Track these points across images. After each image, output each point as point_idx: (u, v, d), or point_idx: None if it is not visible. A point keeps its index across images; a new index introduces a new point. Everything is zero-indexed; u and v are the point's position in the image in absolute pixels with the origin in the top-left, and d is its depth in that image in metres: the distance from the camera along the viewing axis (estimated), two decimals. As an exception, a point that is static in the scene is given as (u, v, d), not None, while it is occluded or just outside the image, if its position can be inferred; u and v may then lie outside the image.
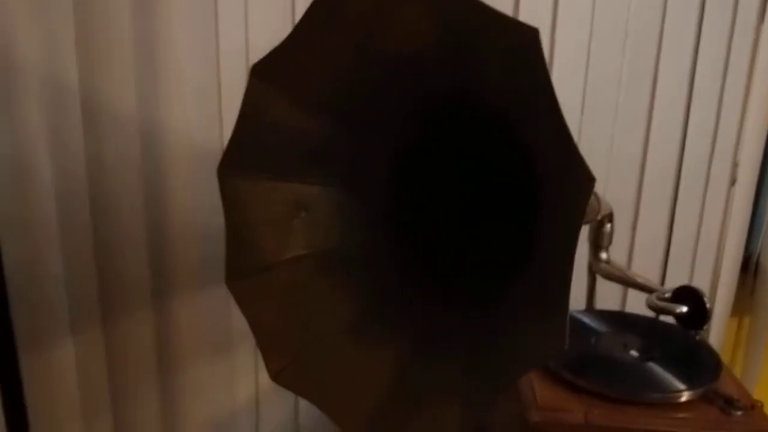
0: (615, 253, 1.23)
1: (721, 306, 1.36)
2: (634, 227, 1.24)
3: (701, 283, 1.31)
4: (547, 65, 1.07)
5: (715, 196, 1.26)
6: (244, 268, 0.79)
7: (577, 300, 1.23)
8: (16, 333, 0.92)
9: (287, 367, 0.76)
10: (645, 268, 1.25)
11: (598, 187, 1.18)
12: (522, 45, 0.56)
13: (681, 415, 0.84)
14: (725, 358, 1.47)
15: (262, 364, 0.74)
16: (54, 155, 0.92)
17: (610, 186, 1.22)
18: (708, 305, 0.94)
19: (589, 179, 0.54)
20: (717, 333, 1.38)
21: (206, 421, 1.12)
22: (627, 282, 1.05)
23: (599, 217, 1.04)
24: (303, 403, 1.22)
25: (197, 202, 1.00)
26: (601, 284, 1.10)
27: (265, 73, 0.75)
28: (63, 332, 0.97)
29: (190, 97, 0.97)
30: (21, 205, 0.90)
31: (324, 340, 0.77)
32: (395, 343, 0.77)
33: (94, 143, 0.95)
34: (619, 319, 1.05)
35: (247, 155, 0.78)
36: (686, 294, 0.96)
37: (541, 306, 0.59)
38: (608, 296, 1.22)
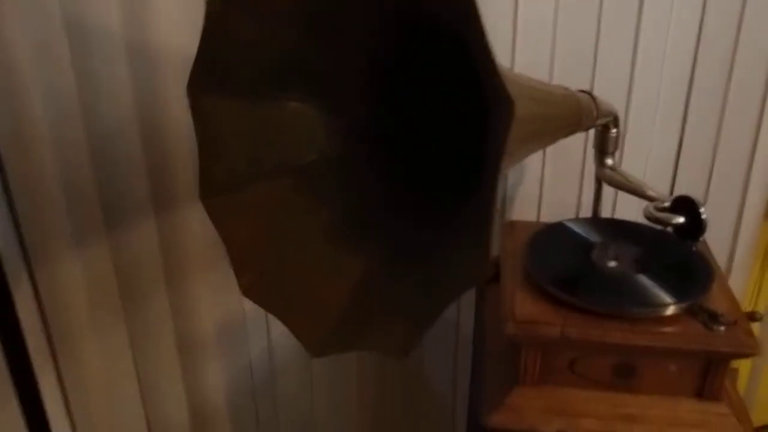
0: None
1: (752, 209, 1.30)
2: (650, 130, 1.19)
3: (726, 186, 1.25)
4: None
5: (745, 85, 1.17)
6: (217, 186, 0.80)
7: (584, 207, 1.21)
8: (27, 250, 0.97)
9: (257, 282, 0.78)
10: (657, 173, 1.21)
11: (617, 94, 1.13)
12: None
13: (662, 329, 0.83)
14: (758, 260, 1.41)
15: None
16: (42, 74, 0.93)
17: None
18: (704, 216, 0.90)
19: (510, 103, 0.51)
20: (749, 236, 1.33)
21: (217, 326, 1.17)
22: (630, 189, 1.01)
23: (600, 122, 1.00)
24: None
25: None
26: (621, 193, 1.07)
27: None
28: (69, 248, 1.02)
29: (175, 7, 0.96)
30: (16, 126, 0.92)
31: (294, 255, 0.79)
32: (366, 254, 0.77)
33: (82, 61, 0.95)
34: (618, 229, 1.02)
35: (214, 73, 0.77)
36: (685, 204, 0.93)
37: (474, 230, 0.58)
38: (626, 204, 1.19)
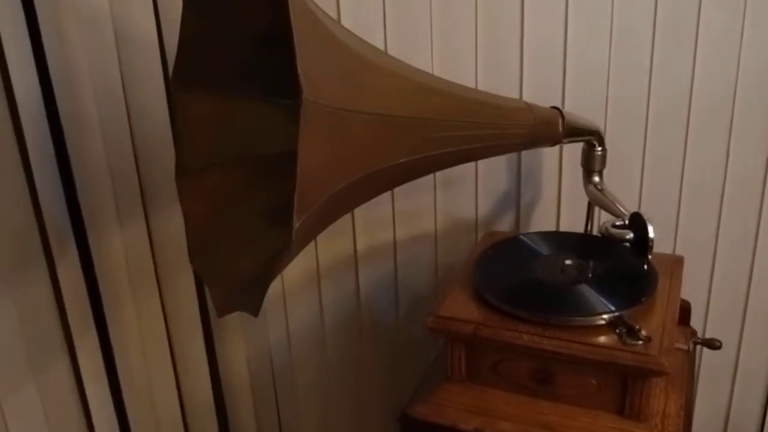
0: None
1: None
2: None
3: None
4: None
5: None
6: (185, 169, 0.93)
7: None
8: (84, 221, 1.17)
9: (200, 252, 0.89)
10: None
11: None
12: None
13: (574, 337, 0.83)
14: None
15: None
16: (96, 74, 1.12)
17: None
18: (651, 235, 0.89)
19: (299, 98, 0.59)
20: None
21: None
22: (608, 209, 1.00)
23: (573, 139, 1.01)
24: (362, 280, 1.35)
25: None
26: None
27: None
28: (113, 222, 1.20)
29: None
30: (76, 118, 1.12)
31: (231, 233, 0.89)
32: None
33: (127, 63, 1.14)
34: (577, 243, 1.03)
35: (188, 74, 0.91)
36: (638, 221, 0.92)
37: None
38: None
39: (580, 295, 0.88)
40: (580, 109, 1.09)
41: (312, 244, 1.31)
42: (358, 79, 0.72)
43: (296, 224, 0.63)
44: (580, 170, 1.07)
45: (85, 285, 1.21)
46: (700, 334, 1.13)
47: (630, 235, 0.91)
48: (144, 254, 1.25)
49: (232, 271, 0.85)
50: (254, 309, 0.72)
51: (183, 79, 0.91)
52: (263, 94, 0.93)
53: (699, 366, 1.25)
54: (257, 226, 0.90)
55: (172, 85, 0.91)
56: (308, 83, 0.60)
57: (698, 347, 0.99)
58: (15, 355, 1.12)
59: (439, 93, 0.83)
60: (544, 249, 1.01)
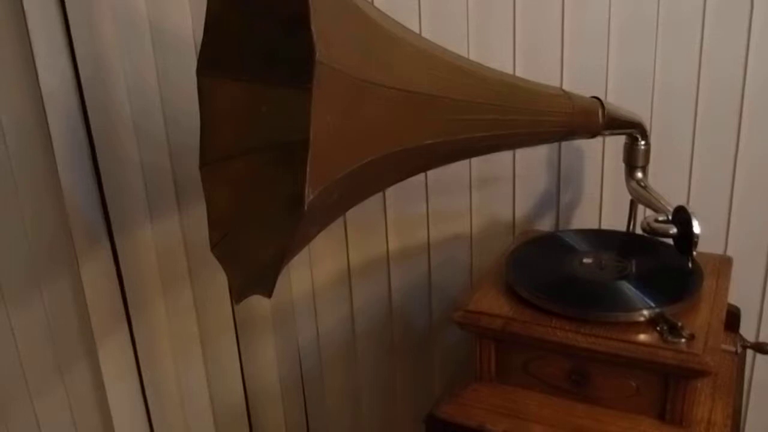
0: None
1: None
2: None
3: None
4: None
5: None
6: (209, 156, 0.91)
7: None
8: (111, 222, 1.16)
9: (221, 240, 0.87)
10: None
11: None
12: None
13: (611, 334, 0.78)
14: None
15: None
16: (129, 72, 1.12)
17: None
18: (696, 230, 0.83)
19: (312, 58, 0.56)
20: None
21: (270, 308, 1.28)
22: (651, 206, 0.95)
23: (614, 132, 0.96)
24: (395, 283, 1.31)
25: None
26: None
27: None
28: (145, 221, 1.19)
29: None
30: (106, 118, 1.11)
31: (252, 222, 0.87)
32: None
33: (162, 61, 1.13)
34: (618, 241, 0.98)
35: (214, 60, 0.90)
36: (683, 215, 0.86)
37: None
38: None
39: (619, 291, 0.83)
40: (624, 100, 1.04)
41: (343, 244, 1.28)
42: (382, 53, 0.69)
43: (309, 196, 0.60)
44: (622, 168, 1.02)
45: (118, 283, 1.21)
46: (751, 343, 1.06)
47: (674, 230, 0.85)
48: (177, 251, 1.23)
49: (252, 258, 0.82)
50: (268, 290, 0.69)
51: (209, 64, 0.89)
52: (289, 80, 0.91)
53: (751, 378, 1.17)
54: (278, 215, 0.87)
55: (198, 71, 0.90)
56: (323, 45, 0.57)
57: (748, 353, 0.92)
58: (45, 353, 1.12)
59: (468, 74, 0.79)
60: (582, 246, 0.96)
